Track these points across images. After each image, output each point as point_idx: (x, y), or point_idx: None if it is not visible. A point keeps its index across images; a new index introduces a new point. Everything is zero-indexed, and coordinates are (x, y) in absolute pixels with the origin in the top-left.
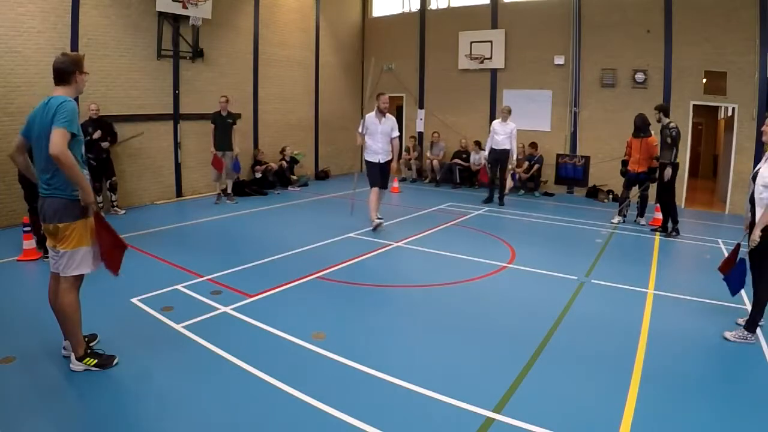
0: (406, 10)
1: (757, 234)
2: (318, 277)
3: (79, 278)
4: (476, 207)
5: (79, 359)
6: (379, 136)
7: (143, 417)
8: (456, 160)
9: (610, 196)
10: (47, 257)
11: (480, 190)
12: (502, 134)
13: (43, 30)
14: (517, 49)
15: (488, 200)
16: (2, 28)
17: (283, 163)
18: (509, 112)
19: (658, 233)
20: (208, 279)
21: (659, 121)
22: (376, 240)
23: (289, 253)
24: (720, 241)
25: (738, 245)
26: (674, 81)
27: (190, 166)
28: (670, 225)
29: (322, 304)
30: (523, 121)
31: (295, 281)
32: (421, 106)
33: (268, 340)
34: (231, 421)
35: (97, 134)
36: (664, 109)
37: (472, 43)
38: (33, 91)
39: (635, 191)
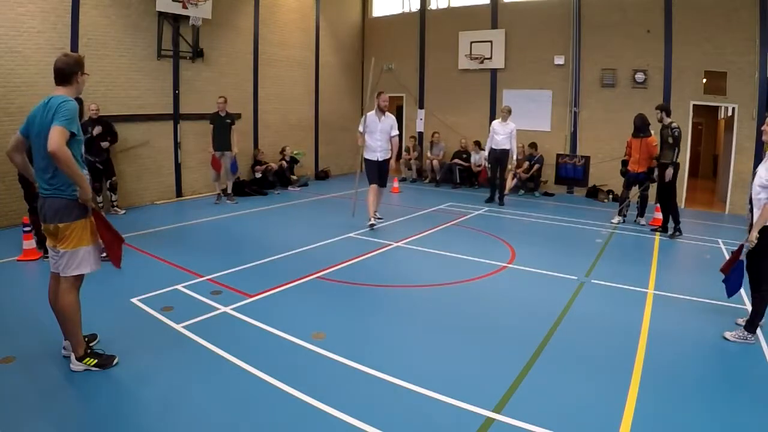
0: (406, 10)
1: (754, 235)
2: (318, 277)
3: (80, 278)
4: (476, 207)
5: (79, 359)
6: (378, 134)
7: (143, 417)
8: (456, 160)
9: (610, 196)
10: (47, 257)
11: (480, 190)
12: (502, 134)
13: (43, 30)
14: (517, 49)
15: (490, 200)
16: (2, 28)
17: (283, 163)
18: (509, 112)
19: (658, 233)
20: (208, 279)
21: (661, 120)
22: (376, 240)
23: (289, 253)
24: (720, 241)
25: (741, 246)
26: (674, 81)
27: (190, 166)
28: (671, 225)
29: (322, 304)
30: (523, 121)
31: (295, 281)
32: (421, 106)
33: (268, 340)
34: (231, 421)
35: (96, 130)
36: (666, 109)
37: (472, 43)
38: (33, 91)
39: (635, 191)
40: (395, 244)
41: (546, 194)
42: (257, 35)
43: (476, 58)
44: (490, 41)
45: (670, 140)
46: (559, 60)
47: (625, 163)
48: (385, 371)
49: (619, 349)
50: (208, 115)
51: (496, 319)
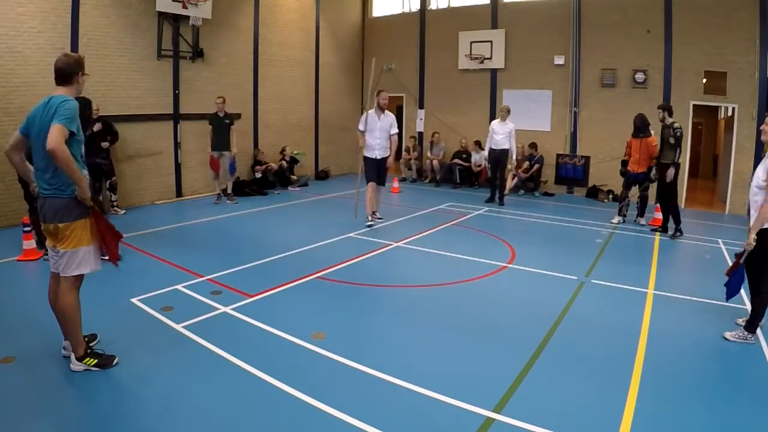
0: (406, 10)
1: (752, 238)
2: (318, 277)
3: (80, 278)
4: (476, 207)
5: (79, 359)
6: (378, 132)
7: (143, 417)
8: (456, 160)
9: (610, 196)
10: (48, 258)
11: (480, 190)
12: (501, 134)
13: (43, 30)
14: (517, 49)
15: (490, 200)
16: (2, 28)
17: (283, 163)
18: (508, 111)
19: (658, 233)
20: (208, 279)
21: (663, 120)
22: (376, 240)
23: (289, 253)
24: (720, 241)
25: (744, 250)
26: (674, 81)
27: (190, 166)
28: (672, 226)
29: (322, 304)
30: (523, 121)
31: (295, 281)
32: (421, 106)
33: (268, 340)
34: (231, 421)
35: (96, 127)
36: (668, 109)
37: (472, 43)
38: (33, 91)
39: (635, 191)
40: (395, 244)
41: (546, 194)
42: (257, 35)
43: (476, 58)
44: (490, 41)
45: (672, 140)
46: (559, 60)
47: (624, 163)
48: (385, 371)
49: (619, 349)
50: (207, 115)
51: (496, 319)
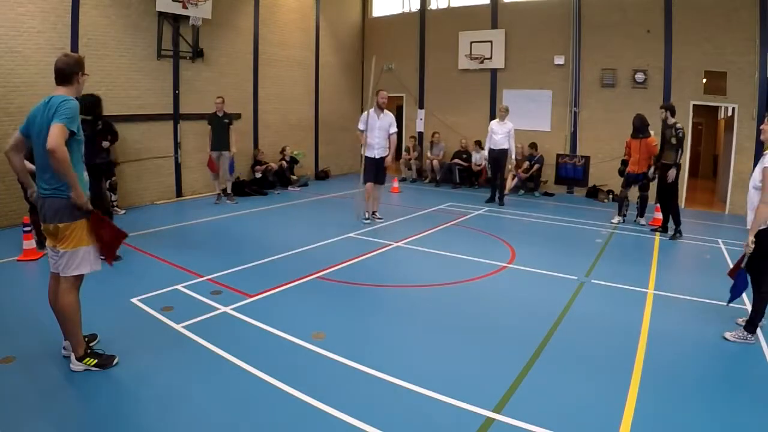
0: (406, 10)
1: (750, 239)
2: (318, 277)
3: (79, 278)
4: (476, 207)
5: (79, 359)
6: (377, 132)
7: (143, 417)
8: (456, 160)
9: (610, 196)
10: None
11: (480, 190)
12: (500, 134)
13: (43, 30)
14: (517, 49)
15: (490, 200)
16: (2, 28)
17: (283, 163)
18: (507, 111)
19: (658, 233)
20: (208, 279)
21: (665, 119)
22: (376, 240)
23: (289, 253)
24: (720, 241)
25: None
26: (674, 81)
27: (189, 166)
28: (672, 227)
29: (322, 304)
30: (523, 121)
31: (295, 281)
32: (421, 106)
33: (268, 340)
34: (231, 421)
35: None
36: (670, 108)
37: (472, 43)
38: (33, 91)
39: (635, 191)
40: (395, 244)
41: (546, 194)
42: (257, 35)
43: (476, 58)
44: (490, 41)
45: (674, 141)
46: (559, 60)
47: (624, 162)
48: (385, 371)
49: (619, 349)
50: (207, 115)
51: (496, 319)
